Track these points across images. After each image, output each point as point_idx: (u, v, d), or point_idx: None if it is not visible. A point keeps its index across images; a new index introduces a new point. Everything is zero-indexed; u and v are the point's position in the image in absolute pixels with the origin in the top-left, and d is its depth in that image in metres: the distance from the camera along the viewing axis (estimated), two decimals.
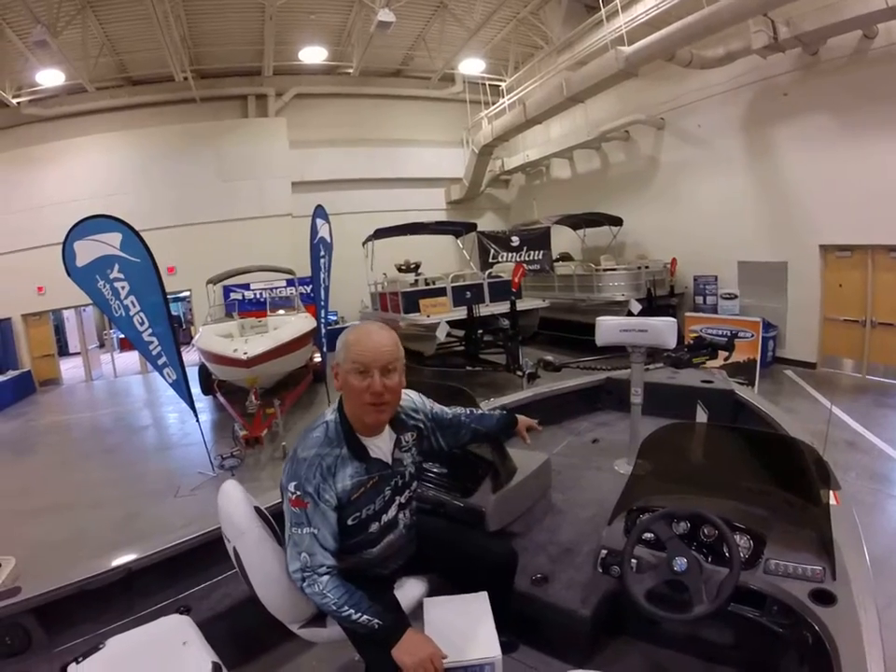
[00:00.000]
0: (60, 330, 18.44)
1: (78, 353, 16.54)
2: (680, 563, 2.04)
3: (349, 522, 1.93)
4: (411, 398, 2.19)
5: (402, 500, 2.09)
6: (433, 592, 2.23)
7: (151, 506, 6.23)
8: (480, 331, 9.55)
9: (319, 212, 8.65)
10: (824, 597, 1.86)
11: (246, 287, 14.46)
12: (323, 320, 8.37)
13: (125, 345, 18.20)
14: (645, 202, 12.85)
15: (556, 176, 16.25)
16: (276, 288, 14.19)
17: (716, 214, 10.99)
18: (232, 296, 14.43)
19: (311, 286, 14.87)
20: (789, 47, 8.59)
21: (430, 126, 17.06)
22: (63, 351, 18.58)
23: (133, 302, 6.34)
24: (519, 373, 8.35)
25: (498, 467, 2.92)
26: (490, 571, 2.24)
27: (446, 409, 2.36)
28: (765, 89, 9.85)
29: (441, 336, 8.90)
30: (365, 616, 1.77)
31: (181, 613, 2.29)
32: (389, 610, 1.88)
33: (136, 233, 6.33)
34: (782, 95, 9.53)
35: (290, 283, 13.15)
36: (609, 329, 3.74)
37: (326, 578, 1.81)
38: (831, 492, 2.32)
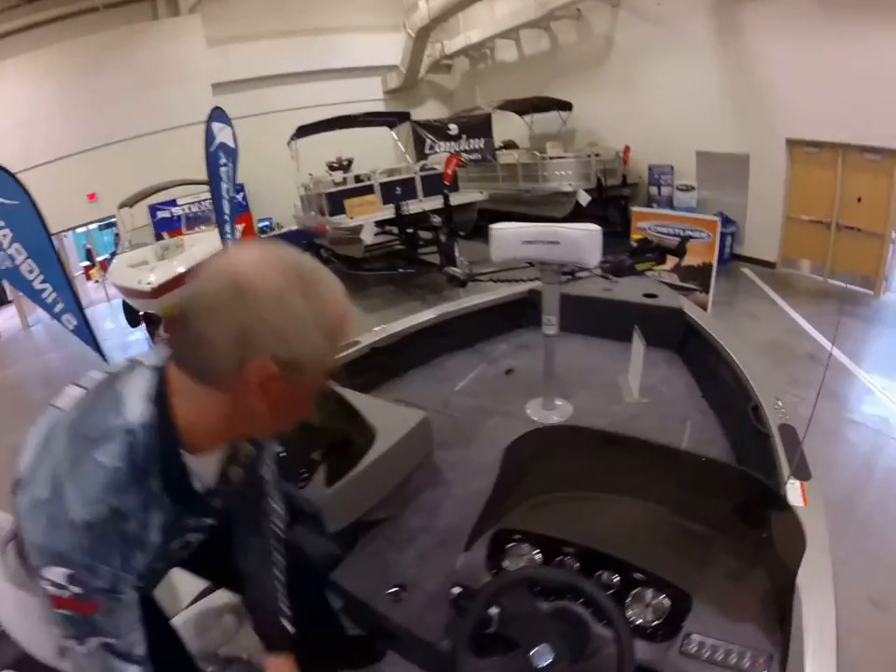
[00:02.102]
0: None
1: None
2: (543, 656, 1.26)
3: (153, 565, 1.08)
4: None
5: (198, 536, 1.28)
6: None
7: None
8: (410, 230, 8.80)
9: (217, 115, 7.62)
10: None
11: (173, 203, 13.32)
12: (229, 236, 7.46)
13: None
14: (598, 86, 11.93)
15: (502, 60, 15.17)
16: (205, 201, 13.03)
17: (675, 100, 10.12)
18: (160, 215, 13.37)
19: (241, 193, 14.16)
20: None
21: (363, 10, 15.56)
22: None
23: (18, 250, 5.71)
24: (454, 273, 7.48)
25: (340, 440, 2.25)
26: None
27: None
28: None
29: (368, 238, 8.17)
30: None
31: None
32: None
33: (6, 171, 5.58)
34: None
35: None
36: (506, 240, 2.83)
37: None
38: (798, 484, 1.71)
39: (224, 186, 7.63)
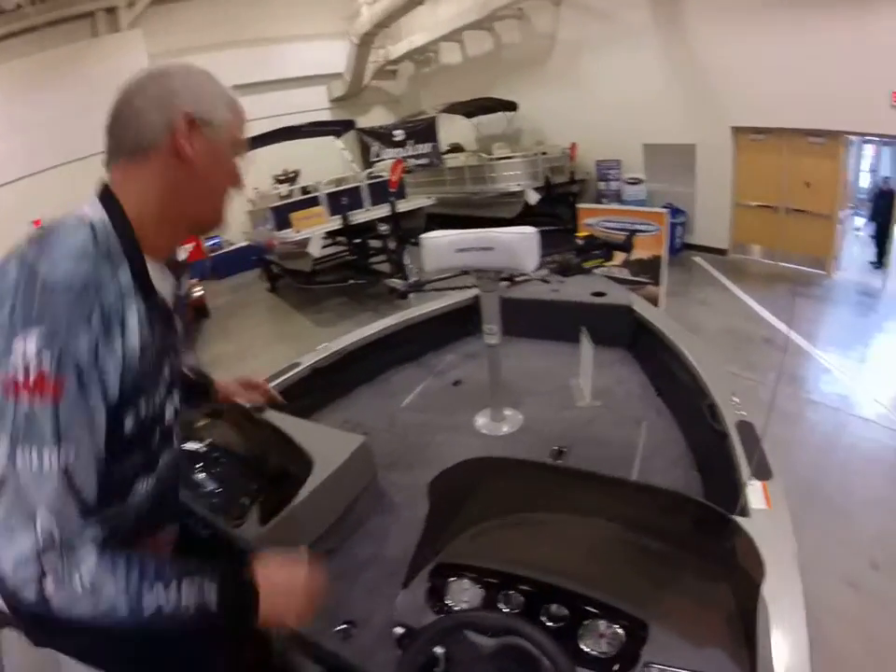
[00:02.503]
0: None
1: None
2: None
3: (126, 430, 0.98)
4: None
5: (176, 400, 1.18)
6: None
7: None
8: (359, 240, 8.61)
9: None
10: None
11: None
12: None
13: None
14: (543, 84, 11.92)
15: (446, 62, 15.09)
16: None
17: (620, 94, 10.16)
18: None
19: None
20: None
21: (306, 19, 15.32)
22: None
23: None
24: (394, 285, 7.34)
25: (275, 473, 2.10)
26: None
27: None
28: None
29: (315, 251, 7.96)
30: (185, 587, 0.91)
31: None
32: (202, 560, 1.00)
33: None
34: None
35: None
36: (438, 249, 2.63)
37: (93, 560, 0.84)
38: (759, 485, 1.61)
39: None
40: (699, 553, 1.41)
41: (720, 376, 2.40)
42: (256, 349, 8.12)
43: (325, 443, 2.24)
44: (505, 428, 2.84)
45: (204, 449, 2.22)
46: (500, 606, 1.35)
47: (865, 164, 13.33)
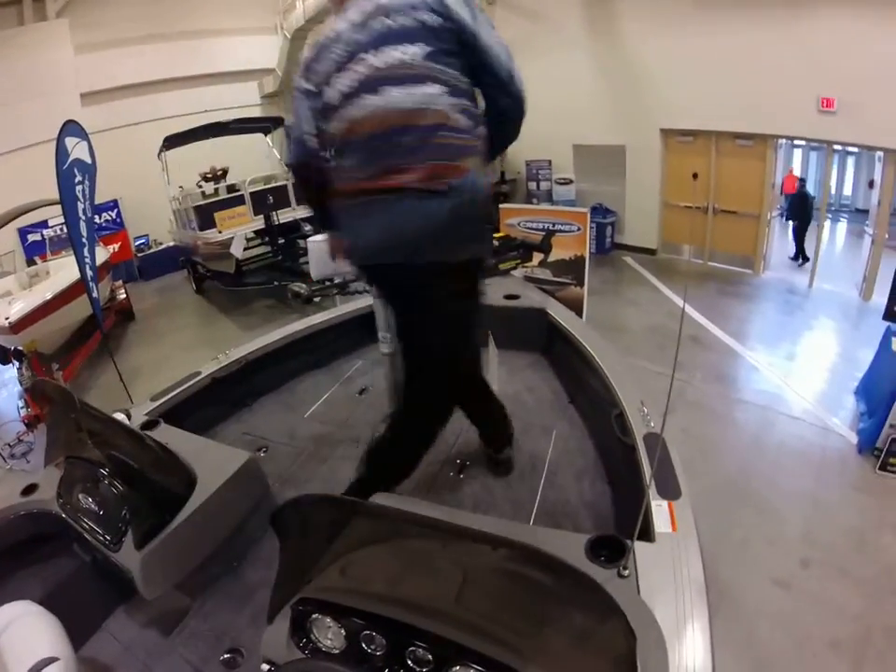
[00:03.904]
0: None
1: None
2: None
3: None
4: None
5: None
6: None
7: None
8: (283, 240, 8.39)
9: (71, 129, 6.89)
10: None
11: (44, 225, 12.19)
12: (88, 261, 6.74)
13: None
14: None
15: None
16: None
17: (551, 94, 9.93)
18: (30, 238, 12.28)
19: (115, 210, 13.30)
20: None
21: (238, 13, 14.83)
22: None
23: None
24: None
25: (155, 491, 1.95)
26: None
27: None
28: None
29: (238, 252, 7.71)
30: None
31: None
32: None
33: None
34: None
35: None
36: (323, 253, 2.41)
37: None
38: (665, 505, 1.54)
39: (80, 205, 6.96)
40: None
41: (630, 383, 2.35)
42: (178, 356, 7.84)
43: (210, 460, 2.16)
44: None
45: (89, 466, 2.09)
46: (363, 646, 1.24)
47: (796, 167, 13.73)
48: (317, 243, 2.57)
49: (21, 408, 6.46)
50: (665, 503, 1.56)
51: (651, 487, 1.61)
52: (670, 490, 1.62)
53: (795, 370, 5.67)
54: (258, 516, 2.20)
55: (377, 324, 2.61)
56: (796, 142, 11.49)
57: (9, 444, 6.12)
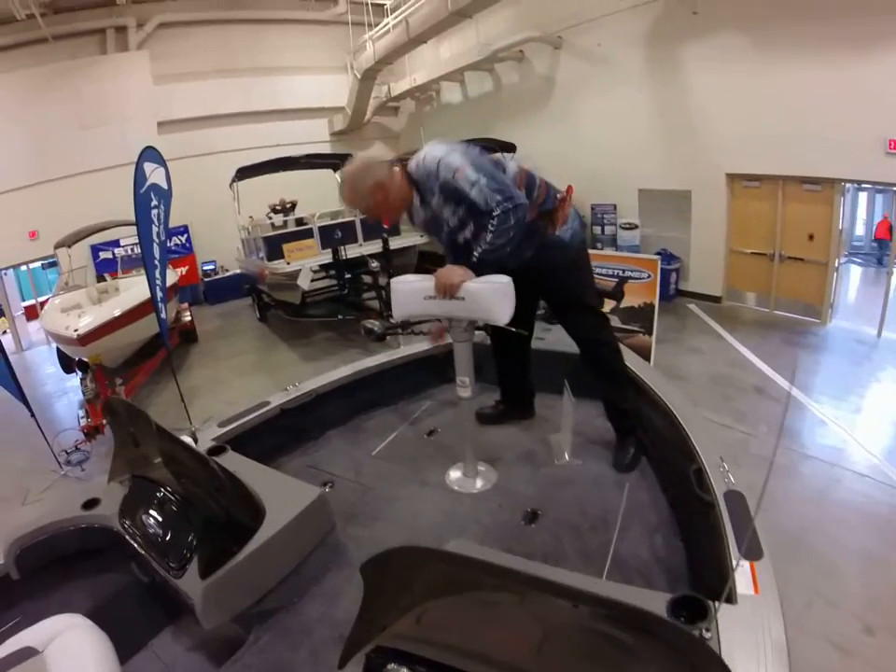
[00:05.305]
0: None
1: None
2: None
3: None
4: None
5: None
6: None
7: None
8: (349, 275, 8.53)
9: (149, 154, 7.25)
10: None
11: (116, 243, 12.76)
12: (158, 282, 7.00)
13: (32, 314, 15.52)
14: (540, 126, 11.95)
15: (447, 101, 15.14)
16: None
17: (616, 139, 10.22)
18: (102, 255, 12.80)
19: (185, 235, 13.76)
20: None
21: (311, 52, 15.46)
22: None
23: None
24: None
25: (223, 520, 1.97)
26: None
27: None
28: (673, 6, 8.90)
29: (305, 284, 7.86)
30: None
31: None
32: None
33: None
34: (691, 13, 8.60)
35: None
36: (407, 295, 2.57)
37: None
38: (748, 566, 1.50)
39: (154, 229, 7.24)
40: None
41: (709, 437, 2.30)
42: (235, 380, 8.04)
43: (280, 493, 2.16)
44: (478, 485, 2.72)
45: (155, 487, 2.14)
46: None
47: (861, 211, 13.43)
48: (402, 283, 2.58)
49: (82, 417, 6.62)
50: (746, 564, 1.52)
51: (733, 545, 1.59)
52: (752, 550, 1.58)
53: (862, 423, 5.45)
54: (322, 552, 2.20)
55: (457, 368, 2.61)
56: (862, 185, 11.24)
57: (66, 451, 6.30)
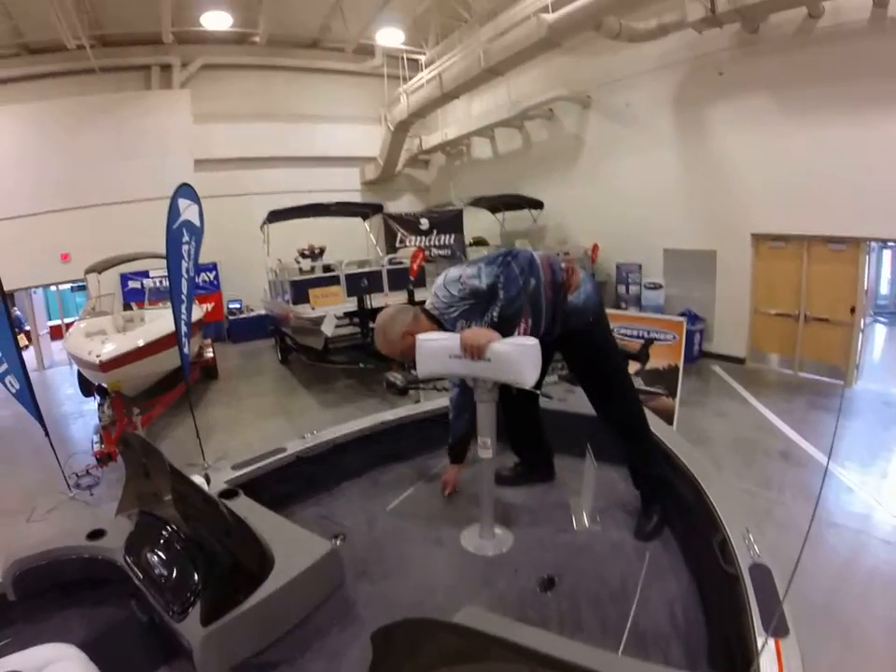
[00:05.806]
0: None
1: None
2: None
3: None
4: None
5: None
6: None
7: None
8: (372, 324, 8.60)
9: (184, 191, 7.46)
10: None
11: (145, 274, 13.01)
12: (184, 317, 7.12)
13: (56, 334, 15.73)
14: (568, 183, 12.16)
15: (477, 156, 15.45)
16: None
17: (642, 198, 10.35)
18: (130, 285, 13.09)
19: (213, 272, 14.01)
20: (727, 21, 7.82)
21: (347, 102, 15.95)
22: None
23: None
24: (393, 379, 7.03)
25: (229, 567, 1.96)
26: None
27: None
28: (699, 67, 9.15)
29: (329, 331, 7.90)
30: None
31: None
32: None
33: None
34: (717, 74, 8.84)
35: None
36: (432, 353, 2.51)
37: None
38: (773, 645, 1.44)
39: (184, 264, 7.38)
40: None
41: (734, 506, 2.25)
42: (253, 421, 8.05)
43: (291, 543, 2.14)
44: (493, 548, 2.66)
45: (163, 526, 2.11)
46: None
47: (885, 270, 13.31)
48: (428, 341, 2.53)
49: (96, 443, 6.65)
50: (771, 641, 1.46)
51: (758, 622, 1.54)
52: (777, 627, 1.51)
53: (890, 489, 5.31)
54: (329, 607, 2.16)
55: (479, 428, 2.58)
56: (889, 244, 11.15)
57: (77, 474, 6.31)
